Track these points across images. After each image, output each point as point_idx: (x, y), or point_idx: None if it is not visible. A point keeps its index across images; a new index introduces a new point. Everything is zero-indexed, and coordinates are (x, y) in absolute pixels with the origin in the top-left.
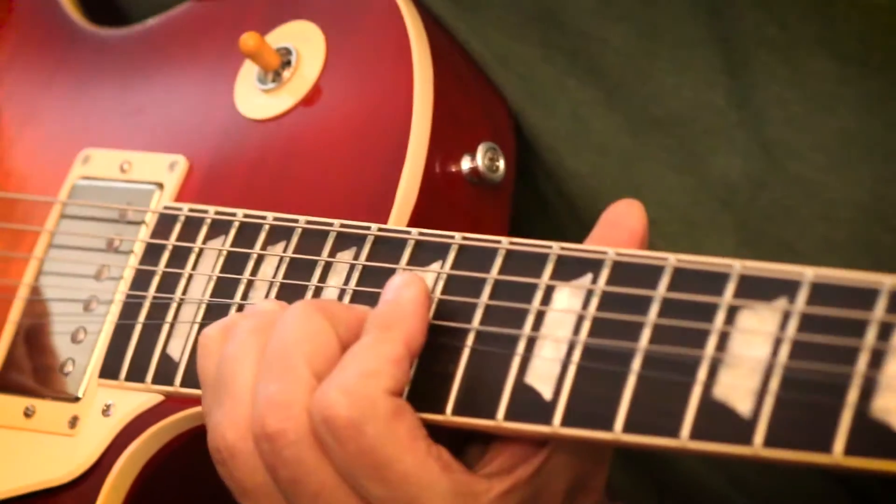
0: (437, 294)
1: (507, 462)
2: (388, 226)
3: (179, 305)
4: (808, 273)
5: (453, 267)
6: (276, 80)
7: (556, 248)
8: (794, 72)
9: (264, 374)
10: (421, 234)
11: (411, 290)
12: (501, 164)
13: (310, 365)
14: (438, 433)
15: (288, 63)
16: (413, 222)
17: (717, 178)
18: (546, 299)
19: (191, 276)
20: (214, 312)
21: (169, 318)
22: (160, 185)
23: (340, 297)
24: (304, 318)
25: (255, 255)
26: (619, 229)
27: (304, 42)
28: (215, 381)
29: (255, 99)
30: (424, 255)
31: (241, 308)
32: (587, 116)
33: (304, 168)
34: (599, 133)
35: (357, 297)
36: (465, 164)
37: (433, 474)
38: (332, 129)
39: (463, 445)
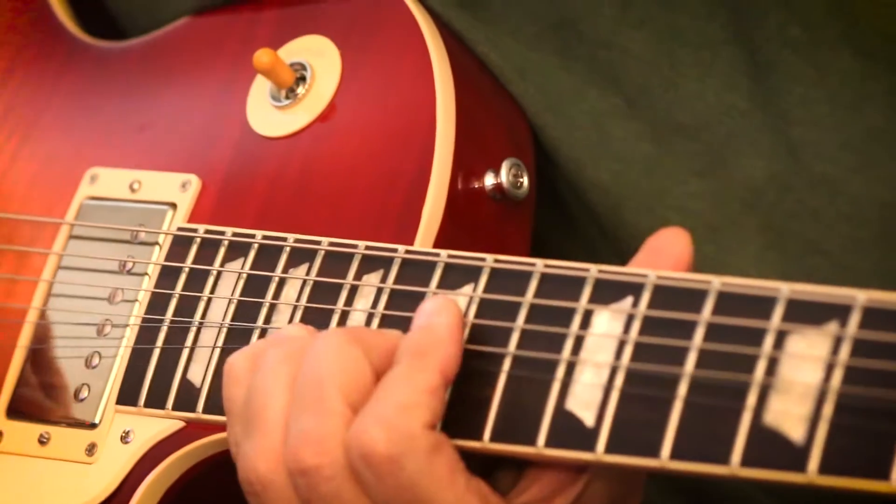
0: (471, 318)
1: (544, 490)
2: (416, 247)
3: (199, 329)
4: (861, 297)
5: (486, 290)
6: (291, 96)
7: (593, 270)
8: (818, 71)
9: (297, 406)
10: (451, 255)
11: (445, 316)
12: (525, 180)
13: (345, 397)
14: (469, 457)
15: (303, 79)
16: (438, 242)
17: (740, 182)
18: (585, 323)
19: (210, 300)
20: (236, 336)
21: (188, 342)
22: (173, 206)
23: (369, 321)
24: (336, 349)
25: (276, 278)
26: (665, 256)
27: (319, 57)
28: (244, 411)
29: (268, 116)
30: (455, 277)
31: (264, 332)
32: (608, 125)
33: (323, 187)
34: (621, 141)
35: (386, 321)
36: (489, 180)
37: None
38: (351, 147)
39: (493, 470)
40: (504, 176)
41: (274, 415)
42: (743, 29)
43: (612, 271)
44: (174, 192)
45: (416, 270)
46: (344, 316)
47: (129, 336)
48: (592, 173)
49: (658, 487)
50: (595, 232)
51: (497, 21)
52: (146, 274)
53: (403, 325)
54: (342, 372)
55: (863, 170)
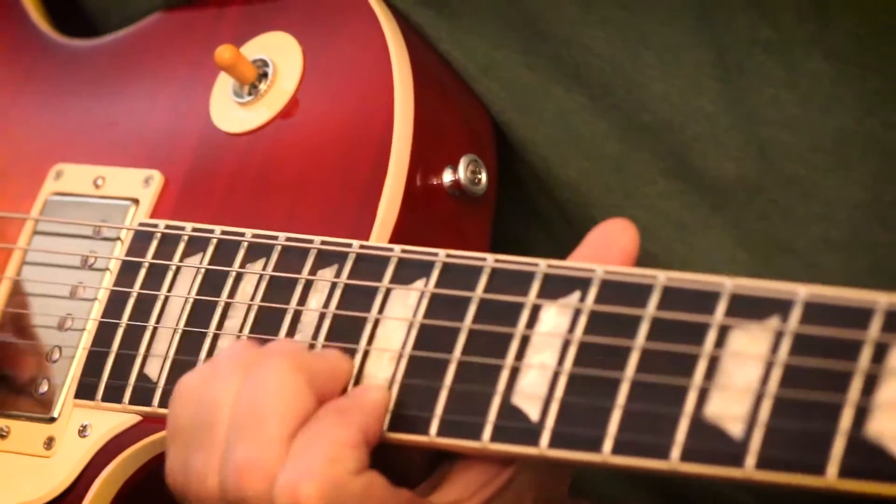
0: (420, 315)
1: (472, 484)
2: (371, 242)
3: (156, 328)
4: (801, 291)
5: (437, 285)
6: (253, 92)
7: (542, 265)
8: (789, 72)
9: (237, 430)
10: (404, 251)
11: (377, 393)
12: (484, 176)
13: (285, 427)
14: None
15: (265, 75)
16: (395, 237)
17: (710, 182)
18: (533, 318)
19: (167, 298)
20: (192, 335)
21: (145, 339)
22: (135, 201)
23: (320, 322)
24: (280, 377)
25: (233, 273)
26: (612, 248)
27: (281, 54)
28: (192, 427)
29: (231, 112)
30: (408, 272)
31: (216, 338)
32: (574, 123)
33: (283, 183)
34: (588, 140)
35: (337, 321)
36: (447, 176)
37: None
38: (311, 143)
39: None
40: (462, 172)
41: (220, 431)
42: (711, 30)
43: (560, 266)
44: (137, 187)
45: (370, 265)
46: (297, 316)
47: (89, 331)
48: (560, 171)
49: (635, 487)
50: (564, 229)
51: (460, 18)
52: (107, 269)
53: (355, 324)
54: (284, 400)
55: (834, 170)
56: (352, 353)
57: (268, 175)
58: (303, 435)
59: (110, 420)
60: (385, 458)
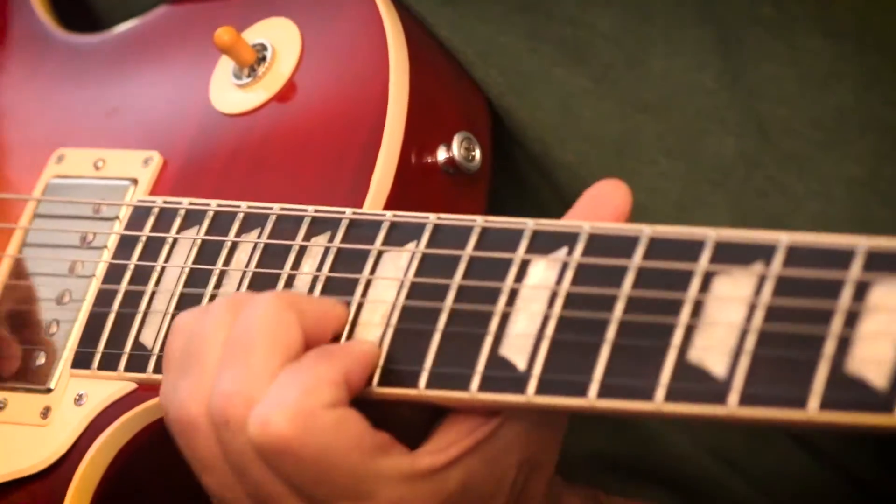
0: (411, 274)
1: (453, 436)
2: (364, 210)
3: (153, 296)
4: (784, 238)
5: (428, 246)
6: (252, 75)
7: (531, 223)
8: (789, 50)
9: (227, 357)
10: (396, 216)
11: (367, 345)
12: (477, 153)
13: (272, 357)
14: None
15: (263, 59)
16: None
17: (710, 160)
18: (521, 273)
19: (163, 269)
20: (187, 302)
21: (141, 309)
22: (134, 181)
23: (313, 284)
24: (270, 309)
25: (228, 243)
26: (604, 207)
27: (280, 38)
28: (183, 355)
29: (230, 94)
30: (399, 235)
31: (212, 298)
32: (575, 106)
33: (279, 161)
34: (588, 122)
35: (330, 283)
36: (441, 154)
37: (380, 465)
38: (307, 123)
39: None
40: (456, 149)
41: (211, 360)
42: (713, 7)
43: (548, 224)
44: (136, 168)
45: (363, 231)
46: (290, 280)
47: (86, 305)
48: (559, 154)
49: (637, 480)
50: (561, 213)
51: (462, 3)
52: (105, 247)
53: (347, 286)
54: (273, 332)
55: (832, 147)
56: None
57: (263, 155)
58: (285, 370)
59: (106, 389)
60: (384, 424)
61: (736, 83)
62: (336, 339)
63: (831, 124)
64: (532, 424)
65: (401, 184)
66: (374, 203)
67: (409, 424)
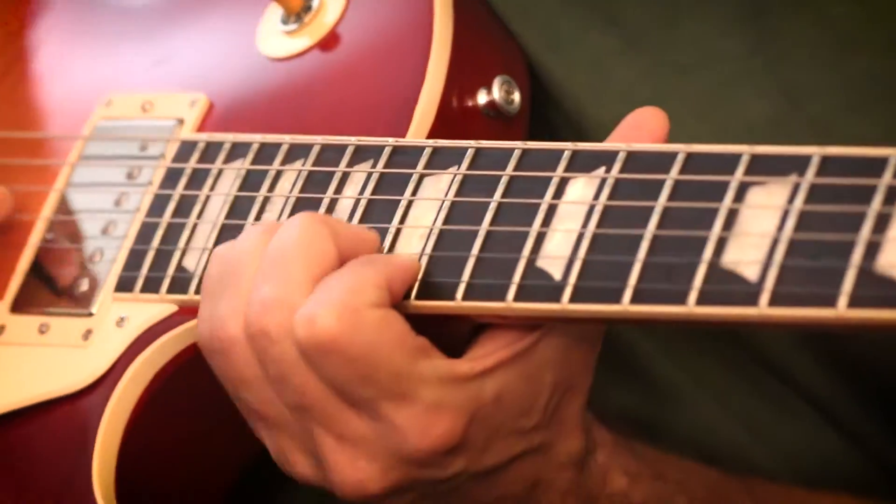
0: (452, 195)
1: (491, 348)
2: (405, 139)
3: (196, 225)
4: (819, 151)
5: (469, 169)
6: (298, 21)
7: (570, 146)
8: (816, 14)
9: (262, 273)
10: (437, 142)
11: (407, 257)
12: (517, 96)
13: (306, 269)
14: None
15: (309, 8)
16: None
17: (738, 124)
18: (559, 192)
19: (208, 198)
20: (229, 231)
21: (185, 235)
22: (180, 121)
23: (354, 207)
24: (304, 226)
25: (272, 172)
26: (642, 131)
27: None
28: (219, 279)
29: (275, 39)
30: (440, 160)
31: None
32: (609, 66)
33: (320, 106)
34: (621, 82)
35: (371, 206)
36: (482, 97)
37: (420, 366)
38: (348, 70)
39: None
40: (496, 92)
41: (247, 278)
42: None
43: (588, 146)
44: (183, 109)
45: (405, 157)
46: (332, 204)
47: (132, 233)
48: (594, 113)
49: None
50: None
51: None
52: (150, 182)
53: (387, 208)
54: (306, 245)
55: (857, 111)
56: (383, 232)
57: (305, 99)
58: (329, 275)
59: (147, 311)
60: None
61: (765, 48)
62: None
63: (857, 88)
64: (567, 345)
65: (441, 127)
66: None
67: (457, 338)
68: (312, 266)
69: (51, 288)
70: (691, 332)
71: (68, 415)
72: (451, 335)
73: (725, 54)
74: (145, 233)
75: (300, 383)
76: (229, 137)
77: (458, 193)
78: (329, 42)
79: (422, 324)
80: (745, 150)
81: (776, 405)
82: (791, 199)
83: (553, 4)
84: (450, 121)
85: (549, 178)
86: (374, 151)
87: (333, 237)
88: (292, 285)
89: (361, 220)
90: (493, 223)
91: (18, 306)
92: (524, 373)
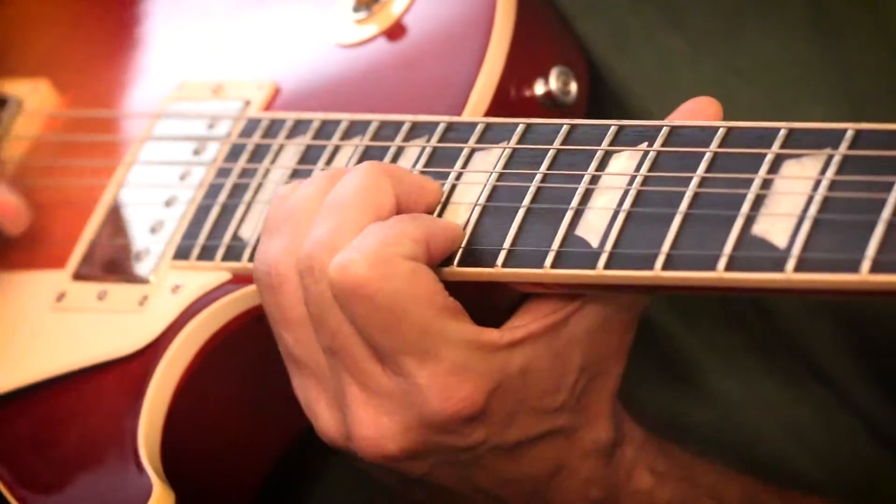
0: (501, 167)
1: (522, 321)
2: (459, 118)
3: (255, 196)
4: (853, 126)
5: (519, 143)
6: (367, 9)
7: (616, 122)
8: (879, 20)
9: (321, 214)
10: (489, 119)
11: (452, 223)
12: (574, 87)
13: (363, 215)
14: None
15: None
16: None
17: None
18: (603, 164)
19: (268, 171)
20: None
21: (243, 205)
22: (247, 102)
23: None
24: (368, 173)
25: (331, 148)
26: (696, 118)
27: None
28: (280, 217)
29: (345, 26)
30: (492, 136)
31: None
32: (674, 67)
33: (381, 93)
34: (686, 85)
35: None
36: (539, 87)
37: (447, 325)
38: (412, 55)
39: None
40: (553, 83)
41: (306, 218)
42: None
43: (633, 123)
44: (251, 92)
45: (458, 133)
46: None
47: (193, 204)
48: (658, 114)
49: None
50: None
51: None
52: (215, 158)
53: (439, 181)
54: (367, 192)
55: None
56: None
57: (367, 87)
58: (371, 225)
59: (201, 279)
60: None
61: (827, 53)
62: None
63: None
64: (599, 326)
65: (499, 114)
66: None
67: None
68: (368, 213)
69: (112, 257)
70: (733, 330)
71: (121, 376)
72: (492, 311)
73: (788, 60)
74: (206, 204)
75: (335, 325)
76: (292, 115)
77: (506, 166)
78: (395, 31)
79: (464, 296)
80: (783, 125)
81: (824, 413)
82: (823, 171)
83: (622, 3)
84: (507, 109)
85: (594, 152)
86: (429, 128)
87: (395, 185)
88: (343, 230)
89: None
90: (536, 194)
91: (80, 274)
92: (553, 349)
